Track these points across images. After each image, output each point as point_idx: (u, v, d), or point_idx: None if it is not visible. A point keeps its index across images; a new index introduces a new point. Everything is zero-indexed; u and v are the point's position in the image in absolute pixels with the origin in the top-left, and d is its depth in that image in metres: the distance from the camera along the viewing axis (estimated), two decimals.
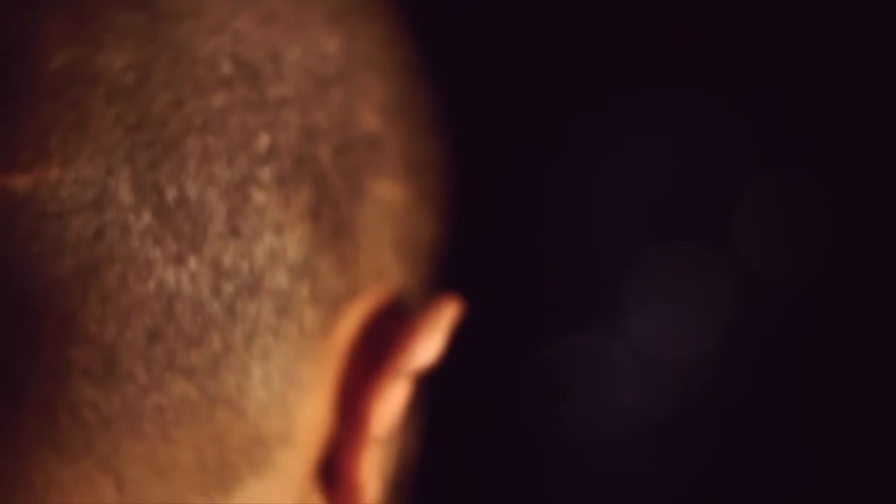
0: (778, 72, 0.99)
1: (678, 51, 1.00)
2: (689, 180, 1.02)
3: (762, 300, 1.01)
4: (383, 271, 0.38)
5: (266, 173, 0.35)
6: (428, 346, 0.37)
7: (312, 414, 0.36)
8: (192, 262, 0.34)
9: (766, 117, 1.01)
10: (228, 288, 0.35)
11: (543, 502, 1.02)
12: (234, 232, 0.35)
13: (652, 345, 1.01)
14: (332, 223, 0.36)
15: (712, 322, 1.01)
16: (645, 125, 1.02)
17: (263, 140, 0.35)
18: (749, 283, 1.01)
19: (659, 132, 1.02)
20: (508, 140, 0.99)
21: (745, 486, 1.01)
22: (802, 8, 0.98)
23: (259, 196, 0.35)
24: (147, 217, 0.34)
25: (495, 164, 0.98)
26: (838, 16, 0.97)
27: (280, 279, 0.35)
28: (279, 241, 0.35)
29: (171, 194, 0.34)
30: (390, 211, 0.38)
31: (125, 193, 0.34)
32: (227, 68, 0.35)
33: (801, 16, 0.98)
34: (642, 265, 1.02)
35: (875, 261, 1.00)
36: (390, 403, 0.37)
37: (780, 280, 1.01)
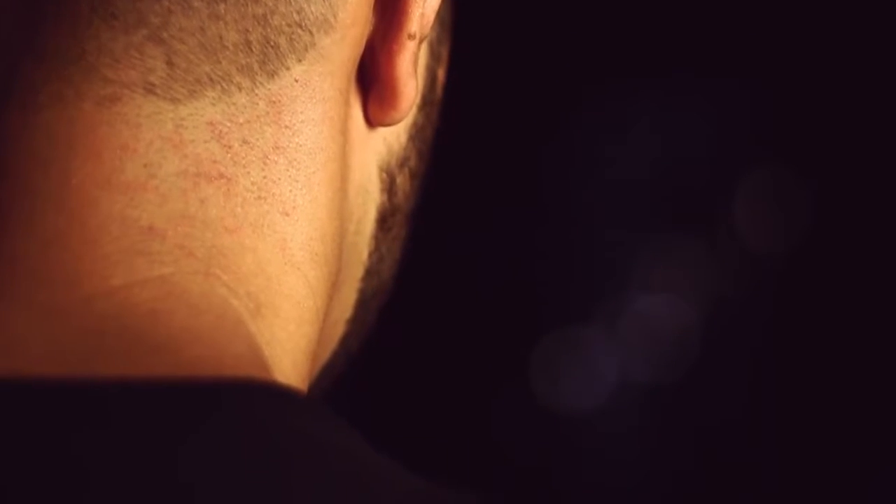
0: (769, 64, 1.02)
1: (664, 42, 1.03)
2: (678, 170, 1.04)
3: (753, 286, 1.02)
4: None
5: None
6: None
7: (354, 4, 0.38)
8: None
9: (756, 110, 1.04)
10: None
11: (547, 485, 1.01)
12: None
13: (648, 326, 1.02)
14: None
15: (707, 307, 1.02)
16: (640, 116, 1.05)
17: None
18: (737, 268, 1.02)
19: (653, 122, 1.04)
20: (503, 134, 1.01)
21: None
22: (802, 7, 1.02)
23: None
24: None
25: (492, 159, 1.00)
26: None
27: None
28: None
29: None
30: None
31: None
32: None
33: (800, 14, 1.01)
34: (638, 252, 1.03)
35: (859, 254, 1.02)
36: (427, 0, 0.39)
37: (767, 264, 1.02)
